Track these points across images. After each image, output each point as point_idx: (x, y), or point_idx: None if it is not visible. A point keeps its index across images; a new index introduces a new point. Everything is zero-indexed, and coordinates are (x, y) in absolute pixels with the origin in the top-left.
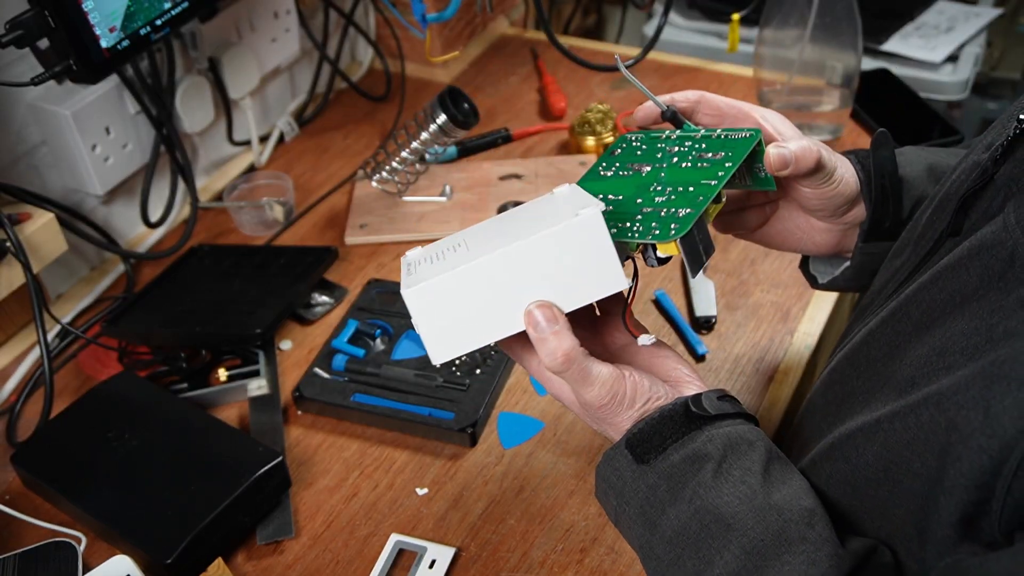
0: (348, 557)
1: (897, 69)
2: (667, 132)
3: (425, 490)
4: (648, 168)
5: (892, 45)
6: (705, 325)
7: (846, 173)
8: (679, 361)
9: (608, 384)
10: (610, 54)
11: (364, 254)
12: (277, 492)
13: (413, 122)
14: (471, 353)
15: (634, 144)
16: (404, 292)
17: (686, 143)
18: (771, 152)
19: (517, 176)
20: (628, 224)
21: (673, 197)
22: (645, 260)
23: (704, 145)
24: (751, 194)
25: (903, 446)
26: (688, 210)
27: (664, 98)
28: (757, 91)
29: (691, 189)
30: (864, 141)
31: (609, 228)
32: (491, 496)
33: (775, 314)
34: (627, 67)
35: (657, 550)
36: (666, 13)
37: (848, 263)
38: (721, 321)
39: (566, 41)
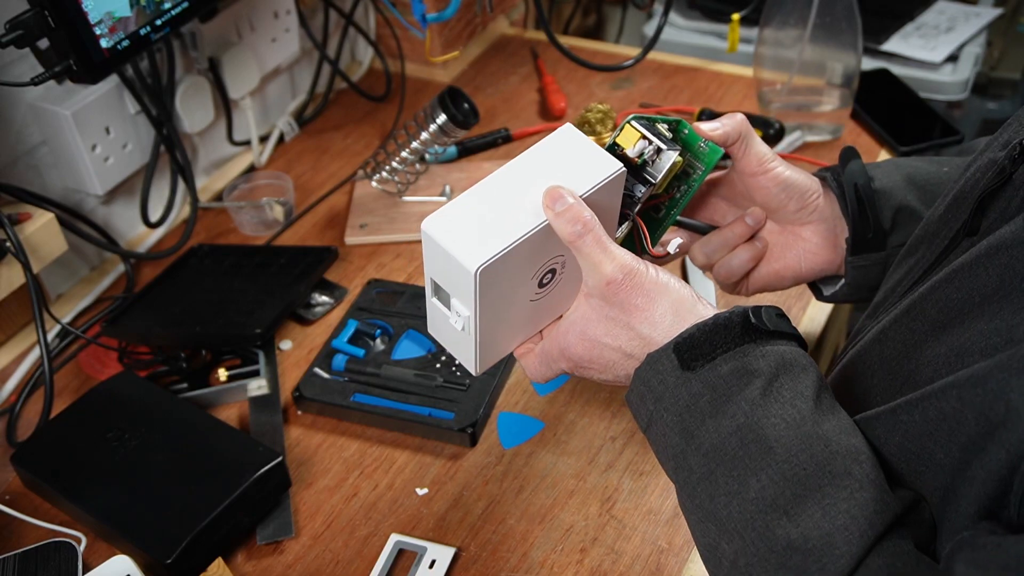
0: (348, 557)
1: (897, 69)
2: None
3: (425, 490)
4: None
5: (892, 45)
6: None
7: (788, 168)
8: None
9: (627, 259)
10: (610, 54)
11: (364, 254)
12: (277, 492)
13: (413, 122)
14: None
15: None
16: (423, 225)
17: None
18: (699, 124)
19: None
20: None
21: None
22: (634, 195)
23: None
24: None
25: (925, 436)
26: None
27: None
28: (757, 91)
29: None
30: (864, 141)
31: None
32: (491, 496)
33: None
34: (627, 67)
35: (690, 460)
36: (666, 13)
37: (844, 280)
38: None
39: (566, 41)
